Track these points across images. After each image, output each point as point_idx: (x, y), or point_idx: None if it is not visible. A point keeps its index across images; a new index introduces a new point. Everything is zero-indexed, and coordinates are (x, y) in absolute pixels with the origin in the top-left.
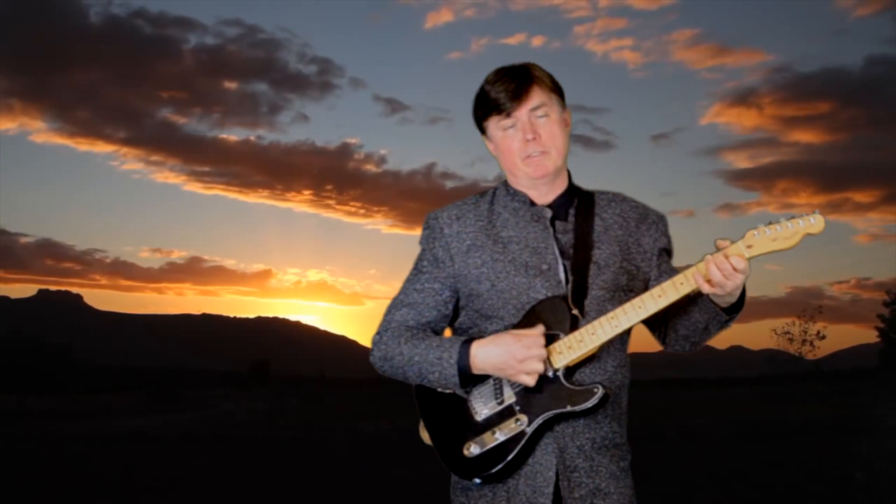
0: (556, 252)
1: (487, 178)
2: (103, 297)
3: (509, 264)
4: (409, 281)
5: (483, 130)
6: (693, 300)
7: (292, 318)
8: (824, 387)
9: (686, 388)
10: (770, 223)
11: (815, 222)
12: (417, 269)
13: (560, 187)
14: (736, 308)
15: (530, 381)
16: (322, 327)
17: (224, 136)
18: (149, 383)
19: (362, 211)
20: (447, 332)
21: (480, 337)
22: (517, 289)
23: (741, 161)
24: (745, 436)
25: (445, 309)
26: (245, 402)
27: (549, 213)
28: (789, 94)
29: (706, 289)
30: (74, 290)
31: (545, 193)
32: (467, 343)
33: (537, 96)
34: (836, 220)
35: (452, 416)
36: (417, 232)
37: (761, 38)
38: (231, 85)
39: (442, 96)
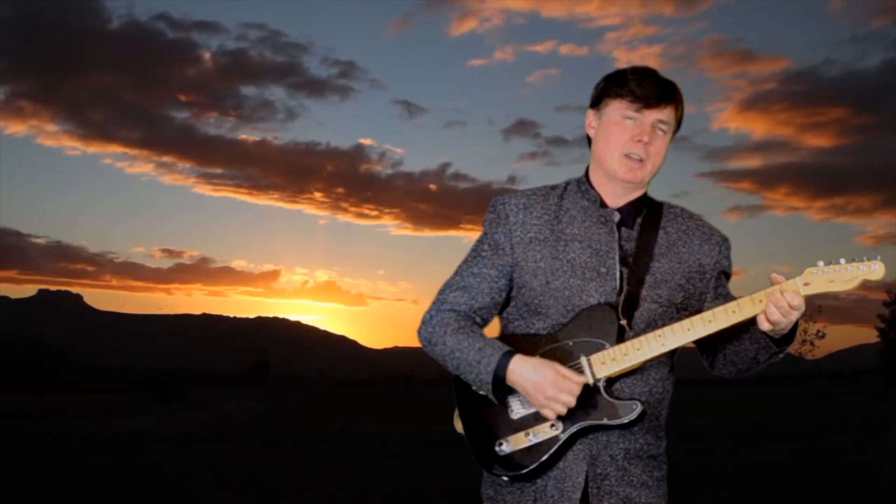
0: (617, 258)
1: (501, 180)
2: (103, 297)
3: (567, 263)
4: (466, 263)
5: (597, 105)
6: (744, 328)
7: (293, 318)
8: (824, 387)
9: (686, 388)
10: (830, 263)
11: (875, 269)
12: (477, 252)
13: (635, 195)
14: (786, 340)
15: (549, 416)
16: (322, 327)
17: (239, 138)
18: (149, 383)
19: (374, 213)
20: (495, 320)
21: (525, 333)
22: (570, 290)
23: (751, 164)
24: (745, 436)
25: (499, 296)
26: (245, 402)
27: (616, 217)
28: (805, 100)
29: (764, 326)
30: (87, 291)
31: (618, 197)
32: (508, 355)
33: (670, 113)
34: (839, 222)
35: (489, 411)
36: (426, 233)
37: (786, 44)
38: (249, 88)
39: (460, 100)
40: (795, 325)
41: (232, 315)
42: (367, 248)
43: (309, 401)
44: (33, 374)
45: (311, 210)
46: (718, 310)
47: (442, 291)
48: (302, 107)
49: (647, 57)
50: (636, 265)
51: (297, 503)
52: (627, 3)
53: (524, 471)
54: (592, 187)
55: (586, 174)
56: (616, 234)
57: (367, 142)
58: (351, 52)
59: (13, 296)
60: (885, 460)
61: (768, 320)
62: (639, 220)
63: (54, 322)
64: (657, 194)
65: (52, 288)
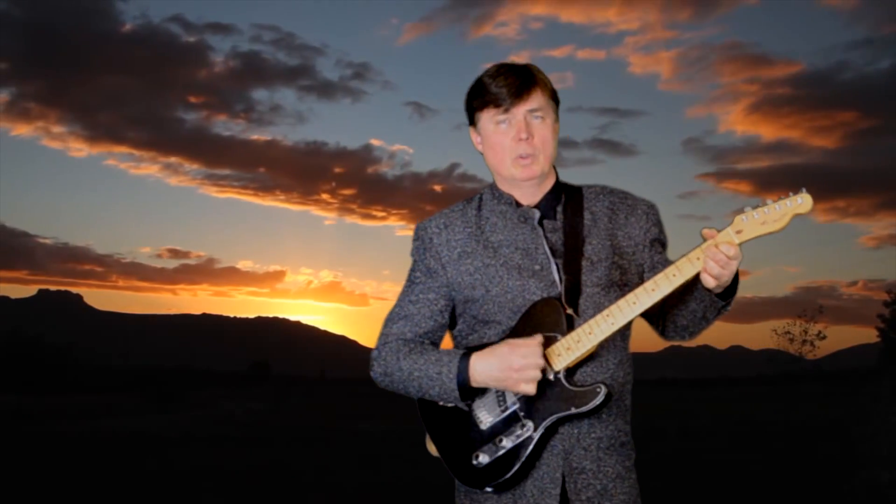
0: (547, 251)
1: None
2: (103, 297)
3: (501, 268)
4: (403, 293)
5: (473, 122)
6: (687, 289)
7: (293, 318)
8: (824, 387)
9: (686, 388)
10: (757, 206)
11: (802, 202)
12: (411, 281)
13: (546, 186)
14: (730, 292)
15: (530, 389)
16: (322, 327)
17: (248, 140)
18: (149, 383)
19: (381, 213)
20: (447, 340)
21: (480, 344)
22: (512, 292)
23: (758, 166)
24: (745, 436)
25: (441, 318)
26: (245, 402)
27: (536, 214)
28: (815, 104)
29: (709, 283)
30: (89, 291)
31: (532, 194)
32: (466, 356)
33: (537, 98)
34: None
35: (458, 428)
36: None
37: (801, 48)
38: (260, 89)
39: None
40: (737, 276)
41: (232, 315)
42: (373, 249)
43: (309, 401)
44: (33, 374)
45: (319, 211)
46: (659, 276)
47: (385, 325)
48: (311, 109)
49: (662, 61)
50: (568, 253)
51: (297, 503)
52: (647, 8)
53: (505, 477)
54: (505, 192)
55: (495, 183)
56: (540, 230)
57: (376, 143)
58: (366, 54)
59: (13, 296)
60: (885, 460)
61: (710, 275)
62: (559, 209)
63: (54, 322)
64: (661, 196)
65: (54, 288)
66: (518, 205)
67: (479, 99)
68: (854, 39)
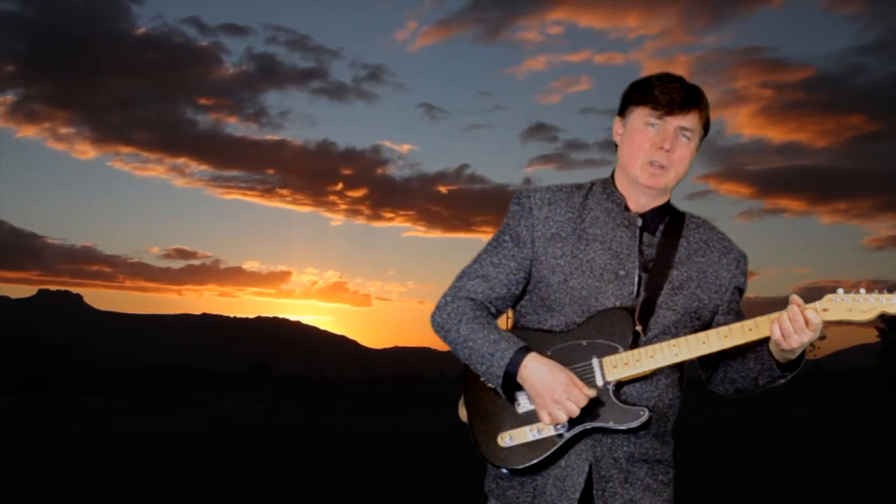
0: (637, 263)
1: (514, 182)
2: (103, 297)
3: (586, 263)
4: (486, 252)
5: (623, 113)
6: (751, 348)
7: (293, 318)
8: (824, 387)
9: (686, 388)
10: (850, 291)
11: (895, 303)
12: (497, 242)
13: (659, 202)
14: (791, 367)
15: (547, 421)
16: (323, 328)
17: (258, 141)
18: (149, 383)
19: (389, 214)
20: (509, 313)
21: (538, 328)
22: (587, 290)
23: (765, 168)
24: (745, 436)
25: (516, 288)
26: (245, 402)
27: (639, 222)
28: (825, 107)
29: (776, 336)
30: (90, 291)
31: (642, 203)
32: (523, 351)
33: (693, 119)
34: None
35: (495, 402)
36: (438, 234)
37: (816, 53)
38: (271, 91)
39: (484, 104)
40: (802, 355)
41: (232, 315)
42: (379, 250)
43: (309, 401)
44: (33, 374)
45: (327, 212)
46: (735, 326)
47: (459, 278)
48: (322, 111)
49: (677, 64)
50: (655, 271)
51: (297, 503)
52: (667, 14)
53: (523, 465)
54: (617, 190)
55: (612, 177)
56: (637, 239)
57: (386, 144)
58: (382, 56)
59: (13, 296)
60: (885, 460)
61: (781, 330)
62: (661, 227)
63: (54, 322)
64: (672, 196)
65: (57, 288)
66: (626, 208)
67: (642, 95)
68: (866, 44)
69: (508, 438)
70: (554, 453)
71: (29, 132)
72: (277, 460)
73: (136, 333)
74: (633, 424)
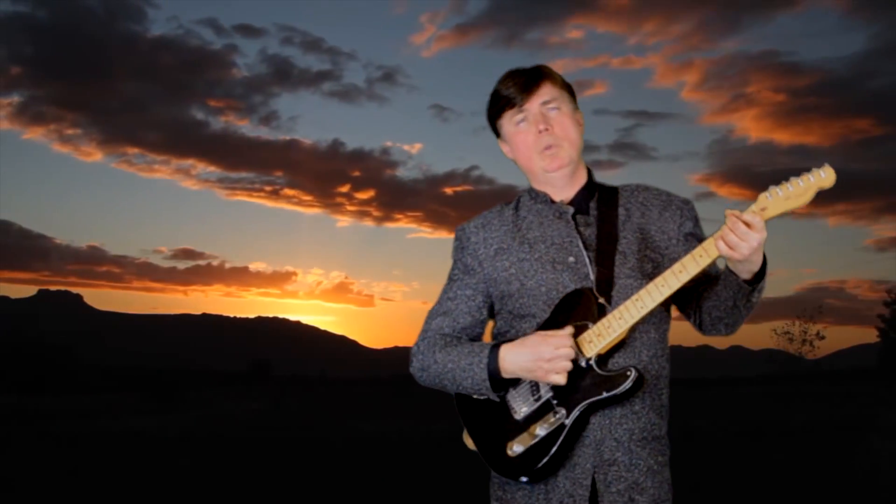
0: (581, 245)
1: (522, 184)
2: (104, 297)
3: (536, 262)
4: (443, 291)
5: (498, 133)
6: (717, 279)
7: (293, 318)
8: (824, 387)
9: (686, 388)
10: (781, 183)
11: (825, 176)
12: (450, 279)
13: (579, 183)
14: (758, 277)
15: (560, 380)
16: (323, 328)
17: (266, 142)
18: (149, 383)
19: (397, 215)
20: (486, 338)
21: (515, 339)
22: (546, 285)
23: (774, 170)
24: (745, 436)
25: (479, 314)
26: (245, 402)
27: (570, 210)
28: (835, 110)
29: (724, 251)
30: (90, 291)
31: (565, 190)
32: (496, 347)
33: (548, 91)
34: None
35: (493, 419)
36: (442, 234)
37: (830, 57)
38: (282, 93)
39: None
40: (765, 261)
41: (231, 315)
42: (385, 251)
43: (309, 401)
44: (33, 374)
45: (334, 213)
46: (686, 258)
47: (425, 322)
48: (333, 113)
49: (692, 68)
50: (601, 246)
51: (297, 503)
52: (687, 19)
53: (539, 465)
54: (540, 192)
55: (531, 187)
56: (573, 224)
57: (395, 145)
58: (396, 59)
59: (13, 296)
60: (885, 461)
61: (728, 245)
62: (593, 205)
63: (54, 322)
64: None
65: (53, 288)
66: (552, 202)
67: (495, 106)
68: (878, 49)
69: (516, 447)
70: (563, 444)
71: (35, 134)
72: (277, 460)
73: (137, 333)
74: (627, 384)
